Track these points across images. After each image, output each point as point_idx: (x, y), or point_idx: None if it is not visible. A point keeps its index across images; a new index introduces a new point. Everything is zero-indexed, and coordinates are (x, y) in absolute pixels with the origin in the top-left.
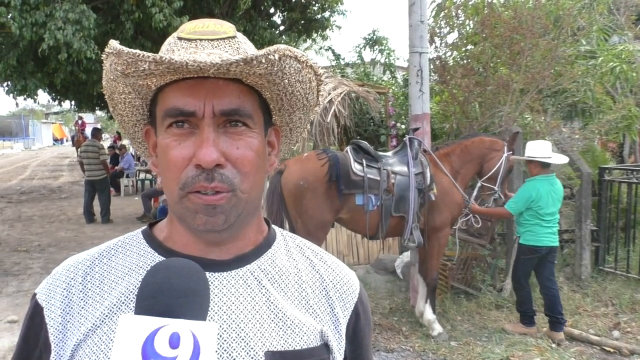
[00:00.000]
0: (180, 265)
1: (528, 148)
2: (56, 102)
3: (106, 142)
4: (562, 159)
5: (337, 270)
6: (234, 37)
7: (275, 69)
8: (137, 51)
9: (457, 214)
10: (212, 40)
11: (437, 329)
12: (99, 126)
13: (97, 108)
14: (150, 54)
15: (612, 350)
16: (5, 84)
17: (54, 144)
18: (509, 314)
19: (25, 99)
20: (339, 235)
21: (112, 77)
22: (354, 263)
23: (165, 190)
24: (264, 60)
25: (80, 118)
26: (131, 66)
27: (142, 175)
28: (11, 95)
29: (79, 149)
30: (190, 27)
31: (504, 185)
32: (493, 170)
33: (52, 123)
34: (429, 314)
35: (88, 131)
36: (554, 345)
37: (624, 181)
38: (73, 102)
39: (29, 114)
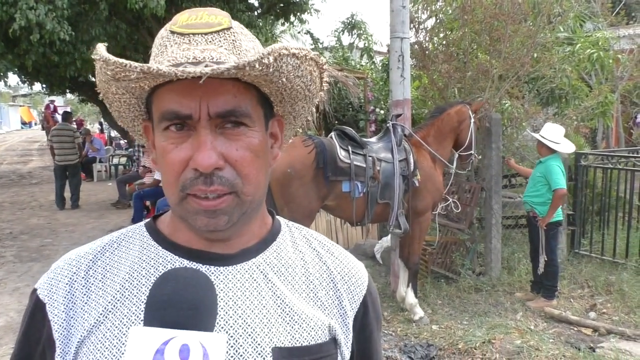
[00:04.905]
0: (188, 275)
1: (544, 129)
2: (26, 84)
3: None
4: (569, 148)
5: (345, 262)
6: (229, 28)
7: (272, 70)
8: (124, 61)
9: (437, 198)
10: (205, 34)
11: (419, 313)
12: (68, 109)
13: (68, 91)
14: (137, 65)
15: (589, 333)
16: None
17: (22, 128)
18: (488, 297)
19: None
20: (317, 221)
21: (103, 80)
22: None
23: (166, 193)
24: (257, 65)
25: (52, 101)
26: (120, 72)
27: (115, 160)
28: None
29: (49, 133)
30: (183, 19)
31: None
32: (467, 141)
33: (20, 106)
34: (411, 298)
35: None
36: (532, 327)
37: (599, 167)
38: (44, 85)
39: None
